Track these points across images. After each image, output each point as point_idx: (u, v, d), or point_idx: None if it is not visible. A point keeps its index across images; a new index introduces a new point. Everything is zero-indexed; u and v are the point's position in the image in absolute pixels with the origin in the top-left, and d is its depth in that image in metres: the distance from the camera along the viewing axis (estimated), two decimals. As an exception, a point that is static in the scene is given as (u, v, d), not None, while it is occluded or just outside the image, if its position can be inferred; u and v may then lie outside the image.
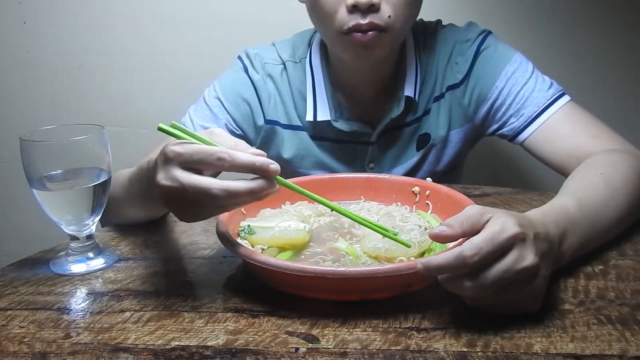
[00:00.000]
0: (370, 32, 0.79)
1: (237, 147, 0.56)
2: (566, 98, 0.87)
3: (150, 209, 0.77)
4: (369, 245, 0.63)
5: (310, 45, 0.96)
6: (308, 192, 0.61)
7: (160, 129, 0.55)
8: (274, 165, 0.55)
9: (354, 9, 0.78)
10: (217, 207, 0.56)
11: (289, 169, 0.99)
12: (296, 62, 0.96)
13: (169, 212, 0.84)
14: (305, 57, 0.96)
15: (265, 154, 0.55)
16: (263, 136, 0.98)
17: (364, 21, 0.78)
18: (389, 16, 0.79)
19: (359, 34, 0.79)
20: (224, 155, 0.53)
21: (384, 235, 0.61)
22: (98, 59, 1.51)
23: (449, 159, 0.99)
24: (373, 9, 0.77)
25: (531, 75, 0.89)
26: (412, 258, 0.61)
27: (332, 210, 0.63)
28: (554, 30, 1.37)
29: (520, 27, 1.36)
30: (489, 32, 0.94)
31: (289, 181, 0.78)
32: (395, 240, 0.60)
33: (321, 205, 0.76)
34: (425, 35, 0.94)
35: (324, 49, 0.94)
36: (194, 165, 0.54)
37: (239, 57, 0.98)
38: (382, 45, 0.82)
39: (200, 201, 0.54)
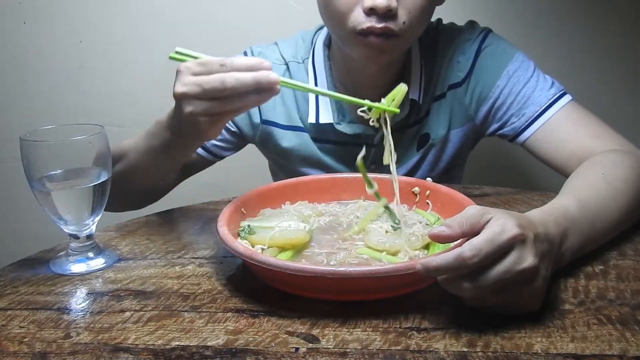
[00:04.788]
0: (383, 37, 0.79)
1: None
2: (567, 97, 0.87)
3: (172, 153, 0.78)
4: (373, 240, 0.63)
5: (313, 45, 0.96)
6: (302, 87, 0.69)
7: (172, 58, 0.67)
8: (267, 63, 0.63)
9: (370, 12, 0.77)
10: (230, 101, 0.63)
11: (289, 167, 0.99)
12: (299, 63, 0.96)
13: (169, 208, 0.84)
14: (308, 58, 0.95)
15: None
16: (260, 134, 0.98)
17: (379, 25, 0.77)
18: (404, 22, 0.78)
19: (373, 37, 0.78)
20: (225, 60, 0.63)
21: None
22: (98, 59, 1.51)
23: (449, 159, 0.98)
24: (390, 14, 0.77)
25: (532, 74, 0.89)
26: (416, 251, 0.62)
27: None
28: (554, 30, 1.37)
29: (521, 27, 1.36)
30: (490, 30, 0.94)
31: (288, 180, 0.79)
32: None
33: (321, 205, 0.77)
34: (427, 36, 0.94)
35: (327, 49, 0.94)
36: (202, 73, 0.63)
37: (244, 53, 0.98)
38: (394, 50, 0.82)
39: (212, 103, 0.63)
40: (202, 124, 0.65)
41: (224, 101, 0.63)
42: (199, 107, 0.64)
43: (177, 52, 0.66)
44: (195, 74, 0.64)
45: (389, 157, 0.70)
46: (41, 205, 0.66)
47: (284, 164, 1.00)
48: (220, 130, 0.69)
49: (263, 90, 0.63)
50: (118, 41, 1.49)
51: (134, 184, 0.86)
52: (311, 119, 0.93)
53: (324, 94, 0.74)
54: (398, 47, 0.82)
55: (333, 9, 0.80)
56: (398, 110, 0.70)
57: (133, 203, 0.88)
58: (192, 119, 0.65)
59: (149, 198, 0.90)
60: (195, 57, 0.65)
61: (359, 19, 0.78)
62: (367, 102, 0.68)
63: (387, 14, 0.77)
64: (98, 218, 0.69)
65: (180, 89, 0.64)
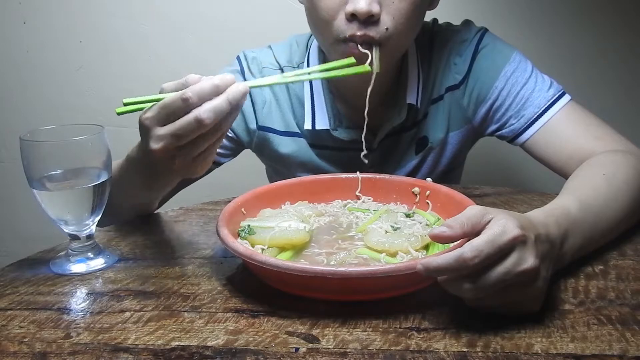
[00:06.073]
0: (365, 45, 0.76)
1: (202, 80, 0.59)
2: (566, 98, 0.86)
3: (154, 185, 0.75)
4: (372, 240, 0.63)
5: (307, 49, 0.94)
6: (273, 80, 0.66)
7: (120, 113, 0.60)
8: (230, 75, 0.59)
9: (352, 18, 0.75)
10: (211, 135, 0.59)
11: (287, 172, 0.98)
12: (294, 68, 0.94)
13: (164, 206, 0.84)
14: (303, 62, 0.93)
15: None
16: (256, 141, 0.96)
17: (360, 32, 0.75)
18: (387, 29, 0.76)
19: (353, 44, 0.76)
20: (187, 94, 0.56)
21: None
22: (98, 59, 1.52)
23: (448, 161, 0.97)
24: (372, 19, 0.75)
25: (530, 74, 0.89)
26: (416, 251, 0.62)
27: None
28: (553, 29, 1.37)
29: (518, 25, 1.36)
30: (486, 30, 0.93)
31: (289, 181, 0.79)
32: None
33: (321, 205, 0.77)
34: (423, 37, 0.93)
35: (322, 54, 0.92)
36: (170, 117, 0.58)
37: (237, 58, 0.96)
38: (379, 60, 0.78)
39: (195, 139, 0.58)
40: (193, 166, 0.61)
41: (207, 135, 0.58)
42: (185, 154, 0.60)
43: (125, 104, 0.59)
44: (162, 123, 0.58)
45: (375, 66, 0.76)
46: (41, 205, 0.66)
47: (282, 170, 0.99)
48: (212, 159, 0.64)
49: (238, 106, 0.59)
50: (118, 41, 1.49)
51: (120, 210, 0.82)
52: (307, 126, 0.91)
53: (297, 81, 0.68)
54: (386, 56, 0.79)
55: (317, 16, 0.79)
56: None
57: (124, 219, 0.85)
58: (181, 166, 0.61)
59: (141, 214, 0.87)
60: (147, 102, 0.59)
61: (342, 27, 0.76)
62: (352, 69, 0.70)
63: (369, 20, 0.75)
64: (98, 218, 0.69)
65: (155, 146, 0.59)
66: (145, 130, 0.59)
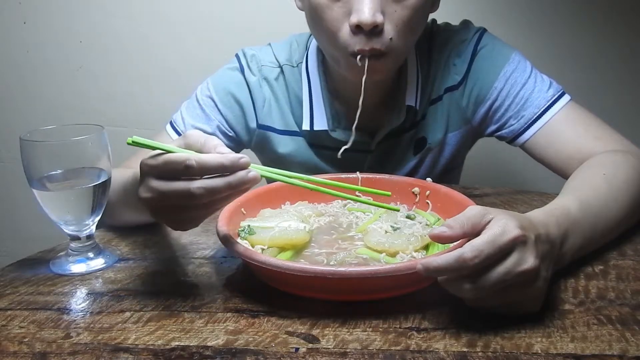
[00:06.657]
0: (373, 58, 0.77)
1: (206, 145, 0.56)
2: (566, 98, 0.86)
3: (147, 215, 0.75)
4: (372, 240, 0.63)
5: (307, 49, 0.94)
6: (284, 177, 0.60)
7: (130, 143, 0.56)
8: (244, 159, 0.55)
9: (357, 30, 0.75)
10: (202, 207, 0.56)
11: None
12: (293, 67, 0.94)
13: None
14: (302, 62, 0.93)
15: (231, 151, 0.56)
16: (256, 140, 0.96)
17: (366, 47, 0.75)
18: (391, 39, 0.76)
19: (362, 57, 0.76)
20: (191, 162, 0.53)
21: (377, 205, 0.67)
22: (98, 59, 1.52)
23: (446, 162, 0.97)
24: (376, 30, 0.75)
25: (530, 75, 0.88)
26: (415, 252, 0.62)
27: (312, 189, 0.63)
28: (553, 30, 1.37)
29: (518, 25, 1.36)
30: (484, 30, 0.93)
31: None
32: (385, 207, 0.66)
33: (321, 205, 0.77)
34: (423, 38, 0.92)
35: (321, 55, 0.91)
36: (168, 174, 0.55)
37: (237, 56, 0.96)
38: (386, 68, 0.80)
39: (183, 205, 0.56)
40: (175, 224, 0.60)
41: (195, 208, 0.56)
42: (166, 216, 0.59)
43: (133, 142, 0.55)
44: (158, 176, 0.56)
45: None
46: (41, 205, 0.66)
47: (278, 163, 0.99)
48: (198, 224, 0.60)
49: (240, 191, 0.55)
50: (118, 41, 1.49)
51: (121, 219, 0.80)
52: (306, 126, 0.91)
53: (309, 187, 0.63)
54: (390, 64, 0.80)
55: (321, 27, 0.78)
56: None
57: (124, 225, 0.84)
58: (163, 220, 0.60)
59: (138, 225, 0.83)
60: (154, 148, 0.56)
61: (348, 40, 0.76)
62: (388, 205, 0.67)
63: (374, 31, 0.74)
64: (98, 218, 0.69)
65: (143, 194, 0.57)
66: (141, 174, 0.58)
